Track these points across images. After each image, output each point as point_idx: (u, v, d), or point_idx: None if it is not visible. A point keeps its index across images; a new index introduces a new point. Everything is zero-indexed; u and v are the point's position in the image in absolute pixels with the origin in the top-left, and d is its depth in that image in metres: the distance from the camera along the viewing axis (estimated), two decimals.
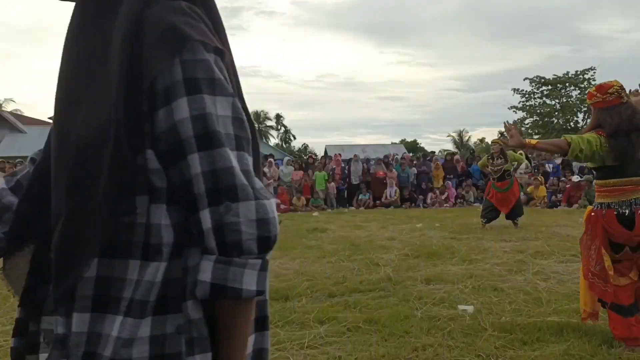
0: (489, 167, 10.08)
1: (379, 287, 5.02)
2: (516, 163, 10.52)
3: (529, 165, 17.14)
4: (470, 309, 4.13)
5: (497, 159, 9.95)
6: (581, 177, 15.35)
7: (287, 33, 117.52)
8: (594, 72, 34.09)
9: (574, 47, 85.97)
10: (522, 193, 13.83)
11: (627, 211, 3.25)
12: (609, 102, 3.35)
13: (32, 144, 34.36)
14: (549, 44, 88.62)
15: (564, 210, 13.87)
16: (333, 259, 6.59)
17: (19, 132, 36.54)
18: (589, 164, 4.23)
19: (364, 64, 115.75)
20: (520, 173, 16.82)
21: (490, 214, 9.90)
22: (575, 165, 17.02)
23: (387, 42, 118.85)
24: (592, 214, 3.40)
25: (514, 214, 9.93)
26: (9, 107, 50.02)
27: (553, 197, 15.46)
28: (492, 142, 10.80)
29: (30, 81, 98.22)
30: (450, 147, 61.24)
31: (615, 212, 3.28)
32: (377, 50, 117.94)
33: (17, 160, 16.82)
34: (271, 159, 18.16)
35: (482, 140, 56.33)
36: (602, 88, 3.42)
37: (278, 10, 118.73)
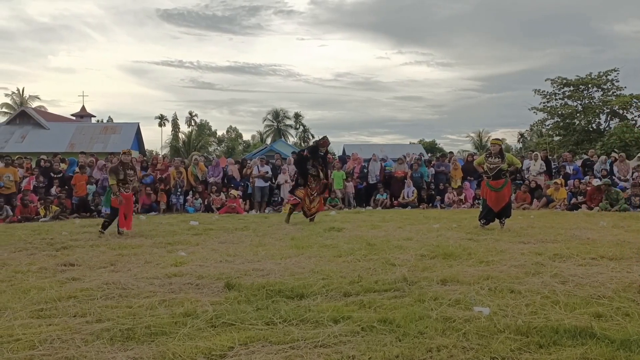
0: (485, 164, 10.17)
1: (395, 287, 5.00)
2: (512, 166, 10.43)
3: (543, 165, 16.92)
4: (486, 310, 4.10)
5: (494, 158, 10.06)
6: (602, 180, 15.15)
7: (306, 32, 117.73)
8: (617, 74, 33.59)
9: (595, 48, 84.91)
10: (514, 196, 13.83)
11: None
12: None
13: (54, 140, 35.02)
14: (568, 44, 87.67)
15: (584, 213, 13.68)
16: (349, 258, 6.59)
17: (42, 128, 37.10)
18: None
19: (382, 64, 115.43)
20: (535, 175, 16.65)
21: (489, 215, 10.06)
22: (597, 167, 16.79)
23: (405, 42, 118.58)
24: None
25: (503, 213, 10.07)
26: (33, 104, 50.79)
27: (573, 200, 15.26)
28: (492, 141, 10.84)
29: (51, 78, 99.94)
30: (469, 147, 60.88)
31: None
32: (395, 50, 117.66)
33: (40, 157, 17.04)
34: (291, 158, 18.19)
35: (502, 140, 55.84)
36: None
37: (297, 10, 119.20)
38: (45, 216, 13.72)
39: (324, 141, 11.74)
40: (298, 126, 71.65)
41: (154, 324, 3.87)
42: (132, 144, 36.57)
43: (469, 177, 16.96)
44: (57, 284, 5.36)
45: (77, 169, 15.72)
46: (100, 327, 3.85)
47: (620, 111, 33.27)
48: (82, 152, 18.85)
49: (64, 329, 3.81)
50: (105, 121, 62.45)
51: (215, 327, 3.84)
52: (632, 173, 16.11)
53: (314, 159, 11.52)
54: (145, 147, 45.29)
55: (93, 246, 8.05)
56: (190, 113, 75.08)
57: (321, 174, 11.56)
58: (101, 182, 15.26)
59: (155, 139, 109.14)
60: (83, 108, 46.61)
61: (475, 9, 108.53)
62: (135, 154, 27.24)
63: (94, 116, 49.57)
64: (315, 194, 11.57)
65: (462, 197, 16.38)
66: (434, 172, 17.45)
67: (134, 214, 10.02)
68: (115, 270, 6.09)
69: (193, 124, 73.40)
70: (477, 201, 15.40)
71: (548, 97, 35.08)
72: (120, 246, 7.96)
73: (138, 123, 40.67)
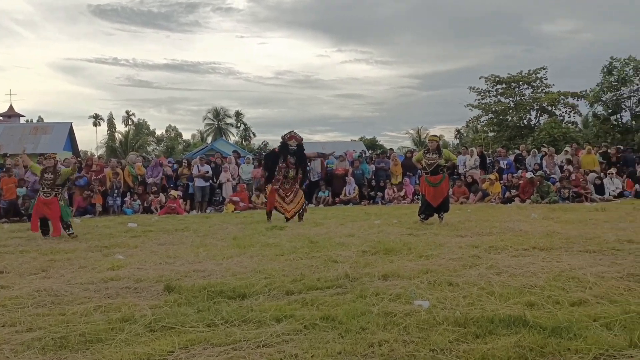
0: (423, 160, 10.38)
1: (337, 284, 5.02)
2: (449, 161, 10.69)
3: (478, 160, 17.51)
4: (425, 303, 4.18)
5: (432, 154, 10.29)
6: (534, 174, 15.82)
7: (245, 30, 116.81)
8: (546, 72, 35.15)
9: (526, 47, 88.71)
10: (451, 190, 14.23)
11: None
12: None
13: None
14: (502, 44, 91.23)
15: (517, 206, 14.24)
16: (291, 256, 6.57)
17: None
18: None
19: (322, 62, 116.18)
20: (471, 168, 17.22)
21: (428, 210, 10.29)
22: (529, 161, 17.52)
23: (345, 40, 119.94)
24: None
25: (441, 208, 10.32)
26: None
27: (507, 193, 15.86)
28: (429, 137, 11.10)
29: None
30: (409, 144, 62.13)
31: None
32: (335, 48, 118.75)
33: None
34: (232, 157, 18.01)
35: (440, 137, 57.37)
36: None
37: (235, 7, 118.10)
38: None
39: (290, 135, 11.32)
40: (239, 125, 71.02)
41: (88, 331, 3.72)
42: (64, 144, 35.17)
43: (408, 173, 17.30)
44: None
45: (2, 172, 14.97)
46: (31, 336, 3.66)
47: (549, 108, 34.85)
48: (3, 154, 17.96)
49: None
50: (35, 121, 59.74)
51: (154, 332, 3.73)
52: (562, 167, 16.94)
53: (285, 155, 11.21)
54: (79, 148, 43.67)
55: (23, 252, 7.66)
56: (127, 112, 73.00)
57: (291, 172, 11.20)
58: (31, 185, 14.56)
59: (90, 139, 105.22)
60: (11, 107, 44.48)
61: (414, 8, 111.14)
62: (68, 154, 26.21)
63: (23, 116, 47.43)
64: (290, 195, 11.20)
65: (402, 193, 16.70)
66: (374, 169, 17.70)
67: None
68: (47, 277, 5.82)
69: (130, 123, 71.42)
70: (416, 197, 15.73)
71: (482, 94, 36.29)
72: (52, 251, 7.62)
73: (71, 123, 39.24)
